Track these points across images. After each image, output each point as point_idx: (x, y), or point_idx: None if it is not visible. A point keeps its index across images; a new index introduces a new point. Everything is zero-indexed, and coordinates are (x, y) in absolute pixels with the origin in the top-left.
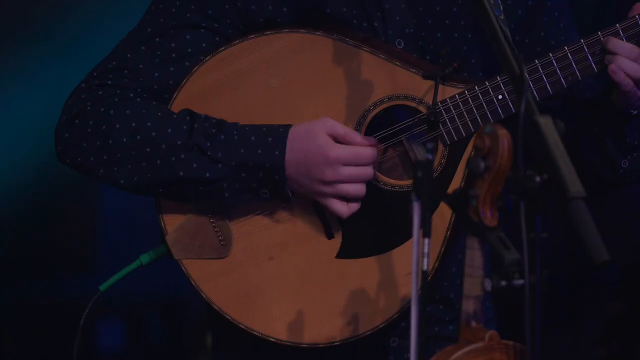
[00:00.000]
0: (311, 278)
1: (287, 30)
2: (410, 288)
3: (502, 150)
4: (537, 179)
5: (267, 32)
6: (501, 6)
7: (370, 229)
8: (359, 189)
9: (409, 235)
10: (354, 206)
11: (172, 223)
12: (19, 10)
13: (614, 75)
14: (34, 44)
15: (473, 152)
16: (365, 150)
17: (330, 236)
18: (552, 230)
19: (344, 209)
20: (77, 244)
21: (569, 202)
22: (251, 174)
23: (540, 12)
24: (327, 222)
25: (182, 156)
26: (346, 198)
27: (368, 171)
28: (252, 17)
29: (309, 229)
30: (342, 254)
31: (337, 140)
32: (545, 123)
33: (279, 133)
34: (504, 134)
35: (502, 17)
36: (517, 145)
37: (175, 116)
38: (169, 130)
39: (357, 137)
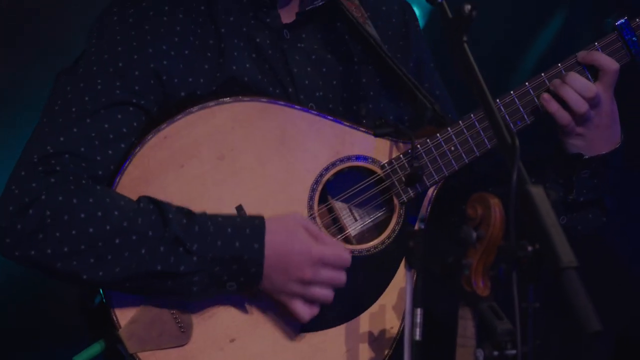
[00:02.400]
0: (275, 357)
1: (229, 99)
2: (377, 355)
3: (495, 220)
4: (529, 248)
5: (210, 104)
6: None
7: (334, 298)
8: (329, 295)
9: (372, 300)
10: (315, 310)
11: (126, 316)
12: (20, 67)
13: (546, 104)
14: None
15: (465, 221)
16: (345, 252)
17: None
18: (545, 299)
19: (305, 312)
20: (68, 314)
21: (561, 272)
22: (225, 266)
23: (421, 66)
24: None
25: (162, 249)
26: (310, 300)
27: (342, 277)
28: (175, 91)
29: (271, 305)
30: (306, 327)
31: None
32: (537, 192)
33: (255, 225)
34: (495, 203)
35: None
36: (508, 215)
37: (141, 204)
38: (139, 221)
39: (328, 237)
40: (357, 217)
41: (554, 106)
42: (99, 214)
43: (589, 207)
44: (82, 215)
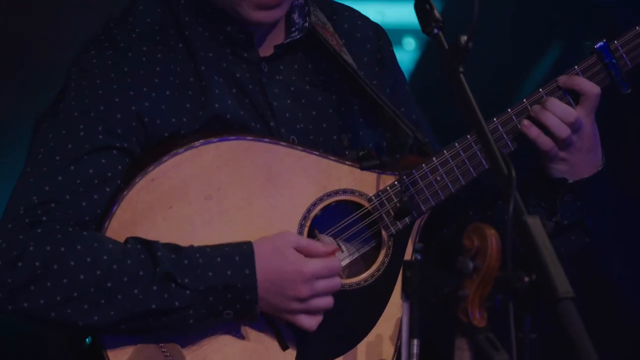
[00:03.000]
0: None
1: (215, 139)
2: None
3: (491, 251)
4: (526, 279)
5: (196, 144)
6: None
7: (323, 333)
8: (329, 301)
9: (364, 333)
10: (319, 318)
11: (119, 358)
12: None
13: (527, 130)
14: None
15: (462, 252)
16: (334, 261)
17: (284, 347)
18: (542, 331)
19: (311, 323)
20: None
21: (558, 302)
22: (219, 296)
23: (397, 91)
24: (280, 334)
25: (154, 287)
26: (313, 312)
27: (337, 282)
28: (158, 132)
29: (262, 344)
30: None
31: (302, 252)
32: (534, 223)
33: (244, 251)
34: (492, 234)
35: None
36: (505, 245)
37: (129, 246)
38: (129, 262)
39: (319, 246)
40: (346, 251)
41: (534, 132)
42: (88, 259)
43: (572, 229)
44: (72, 263)
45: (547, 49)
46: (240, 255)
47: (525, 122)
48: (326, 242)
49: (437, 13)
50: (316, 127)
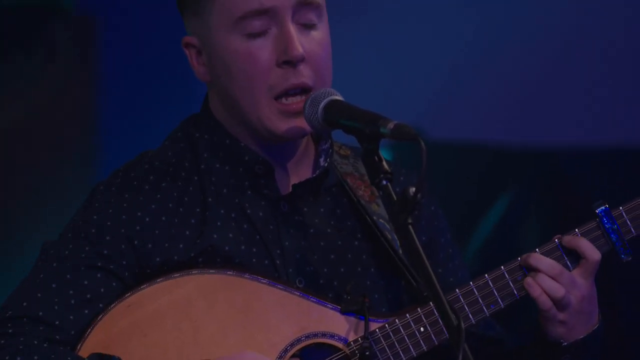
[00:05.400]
0: None
1: (196, 271)
2: None
3: None
4: None
5: (175, 275)
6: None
7: None
8: None
9: None
10: None
11: None
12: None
13: (530, 289)
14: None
15: None
16: None
17: None
18: None
19: None
20: None
21: None
22: None
23: (435, 250)
24: None
25: None
26: None
27: None
28: (149, 256)
29: None
30: None
31: None
32: None
33: None
34: None
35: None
36: None
37: (87, 359)
38: None
39: None
40: None
41: (537, 291)
42: None
43: None
44: None
45: (493, 201)
46: None
47: (529, 279)
48: None
49: (385, 165)
50: (332, 271)
